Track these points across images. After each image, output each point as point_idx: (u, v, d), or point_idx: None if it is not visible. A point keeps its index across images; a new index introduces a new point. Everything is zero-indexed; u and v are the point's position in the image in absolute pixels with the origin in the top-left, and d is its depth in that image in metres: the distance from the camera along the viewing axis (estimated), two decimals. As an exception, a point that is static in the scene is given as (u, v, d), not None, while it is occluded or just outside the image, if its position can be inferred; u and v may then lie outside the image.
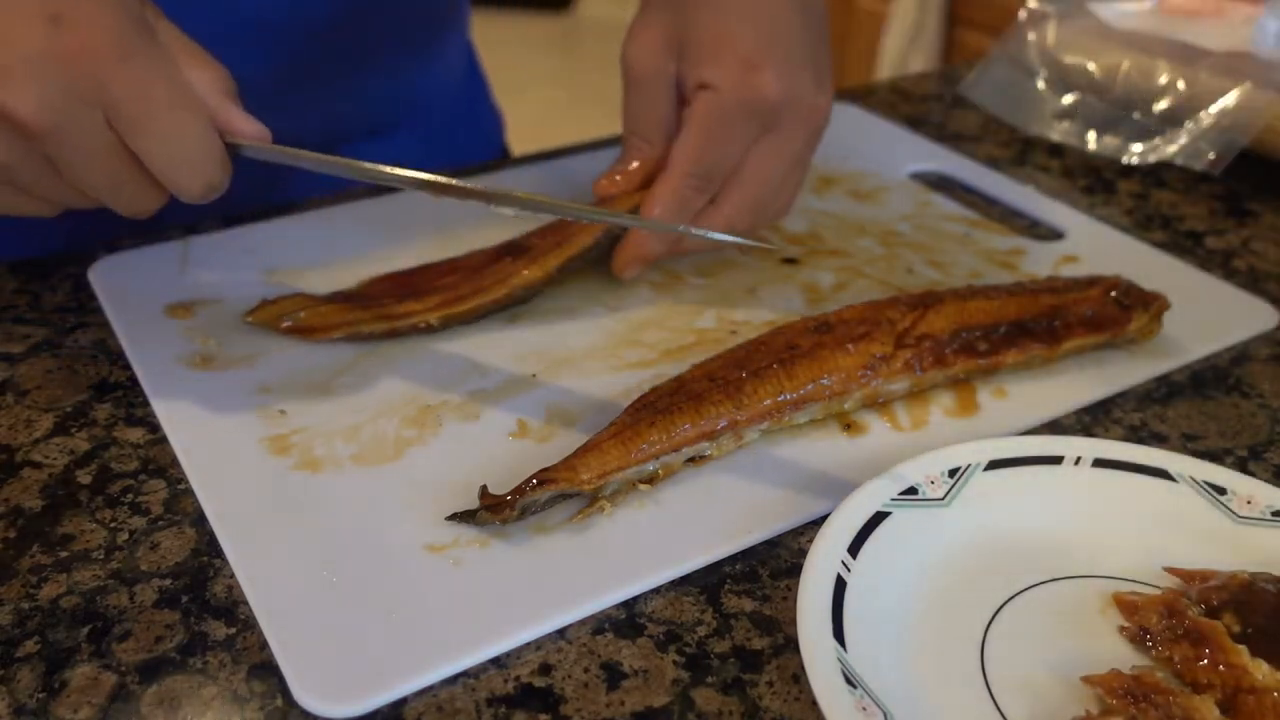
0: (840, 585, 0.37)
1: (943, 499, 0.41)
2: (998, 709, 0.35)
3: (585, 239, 0.55)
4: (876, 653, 0.35)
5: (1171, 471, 0.42)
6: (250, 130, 0.46)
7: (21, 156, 0.43)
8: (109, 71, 0.41)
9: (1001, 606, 0.38)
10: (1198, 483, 0.42)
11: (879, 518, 0.40)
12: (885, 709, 0.33)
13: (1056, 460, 0.43)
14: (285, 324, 0.51)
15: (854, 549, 0.38)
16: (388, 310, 0.52)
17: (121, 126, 0.43)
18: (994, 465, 0.43)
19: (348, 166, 0.46)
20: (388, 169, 0.46)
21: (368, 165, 0.46)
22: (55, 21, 0.41)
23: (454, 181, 0.45)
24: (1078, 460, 0.43)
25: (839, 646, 0.35)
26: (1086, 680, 0.35)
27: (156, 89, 0.43)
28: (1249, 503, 0.41)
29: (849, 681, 0.33)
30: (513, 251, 0.55)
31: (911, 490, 0.41)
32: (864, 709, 0.33)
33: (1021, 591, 0.39)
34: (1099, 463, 0.43)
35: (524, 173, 0.69)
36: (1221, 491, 0.42)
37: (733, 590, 0.40)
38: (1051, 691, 0.35)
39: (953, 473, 0.42)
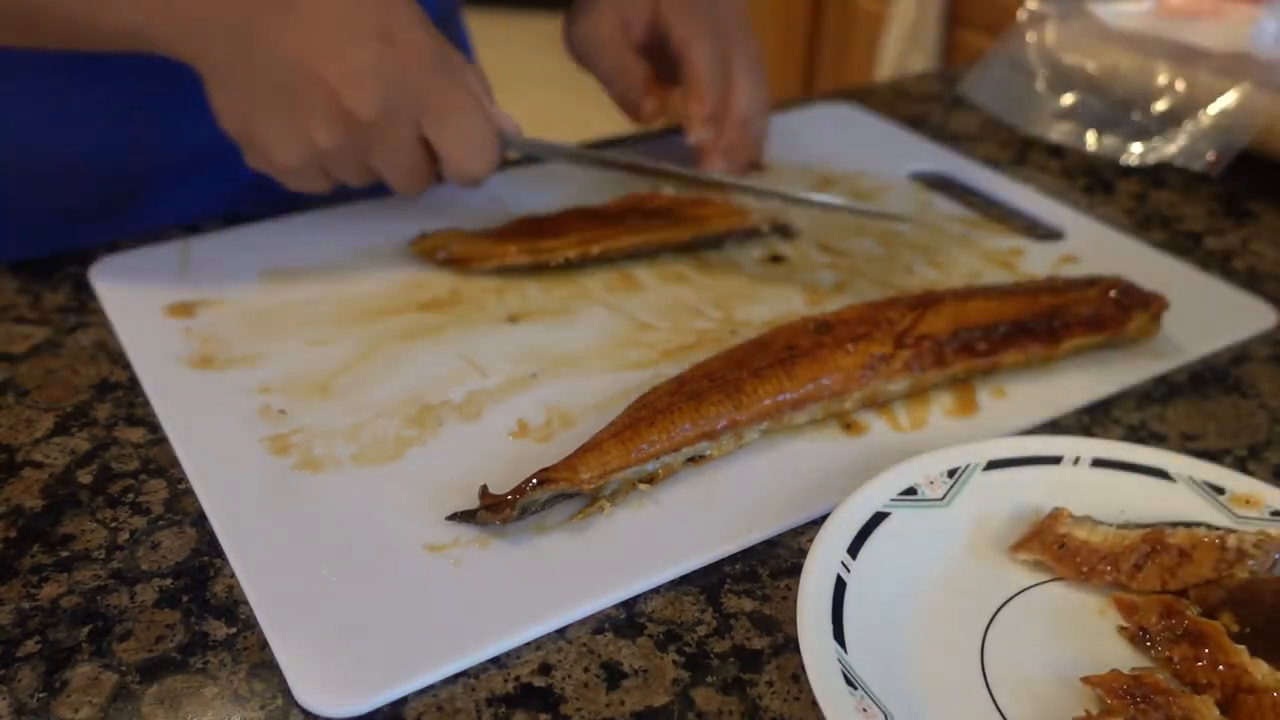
0: (840, 586, 0.37)
1: (942, 499, 0.41)
2: (998, 709, 0.35)
3: (723, 223, 0.60)
4: (876, 653, 0.36)
5: (1170, 471, 0.42)
6: (509, 125, 0.56)
7: (348, 146, 0.52)
8: (427, 81, 0.51)
9: (1001, 607, 0.38)
10: (1196, 482, 0.42)
11: (878, 518, 0.40)
12: (885, 710, 0.33)
13: (1055, 460, 0.43)
14: (441, 255, 0.57)
15: (854, 549, 0.38)
16: (532, 245, 0.57)
17: (430, 124, 0.52)
18: (993, 465, 0.43)
19: (598, 158, 0.60)
20: (638, 160, 0.59)
21: (618, 156, 0.59)
22: (387, 39, 0.50)
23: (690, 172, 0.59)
24: (1076, 460, 0.43)
25: (839, 647, 0.35)
26: (1086, 681, 0.35)
27: (459, 95, 0.53)
28: (1248, 502, 0.41)
29: (849, 682, 0.33)
30: (650, 208, 0.61)
31: (910, 491, 0.41)
32: (864, 710, 0.33)
33: (1021, 592, 0.39)
34: (1098, 463, 0.43)
35: (530, 171, 0.69)
36: (1220, 491, 0.42)
37: (732, 590, 0.40)
38: (1051, 692, 0.35)
39: (952, 473, 0.42)
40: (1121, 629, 0.38)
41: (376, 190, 0.60)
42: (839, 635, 0.35)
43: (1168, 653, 0.36)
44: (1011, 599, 0.39)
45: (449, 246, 0.57)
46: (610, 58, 0.65)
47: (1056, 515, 0.40)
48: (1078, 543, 0.39)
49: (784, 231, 0.62)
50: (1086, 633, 0.38)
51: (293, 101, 0.50)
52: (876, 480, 0.41)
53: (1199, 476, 0.42)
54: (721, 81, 0.62)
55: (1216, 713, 0.33)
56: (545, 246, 0.57)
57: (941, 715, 0.34)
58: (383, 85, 0.50)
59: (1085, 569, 0.39)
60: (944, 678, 0.36)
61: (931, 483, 0.42)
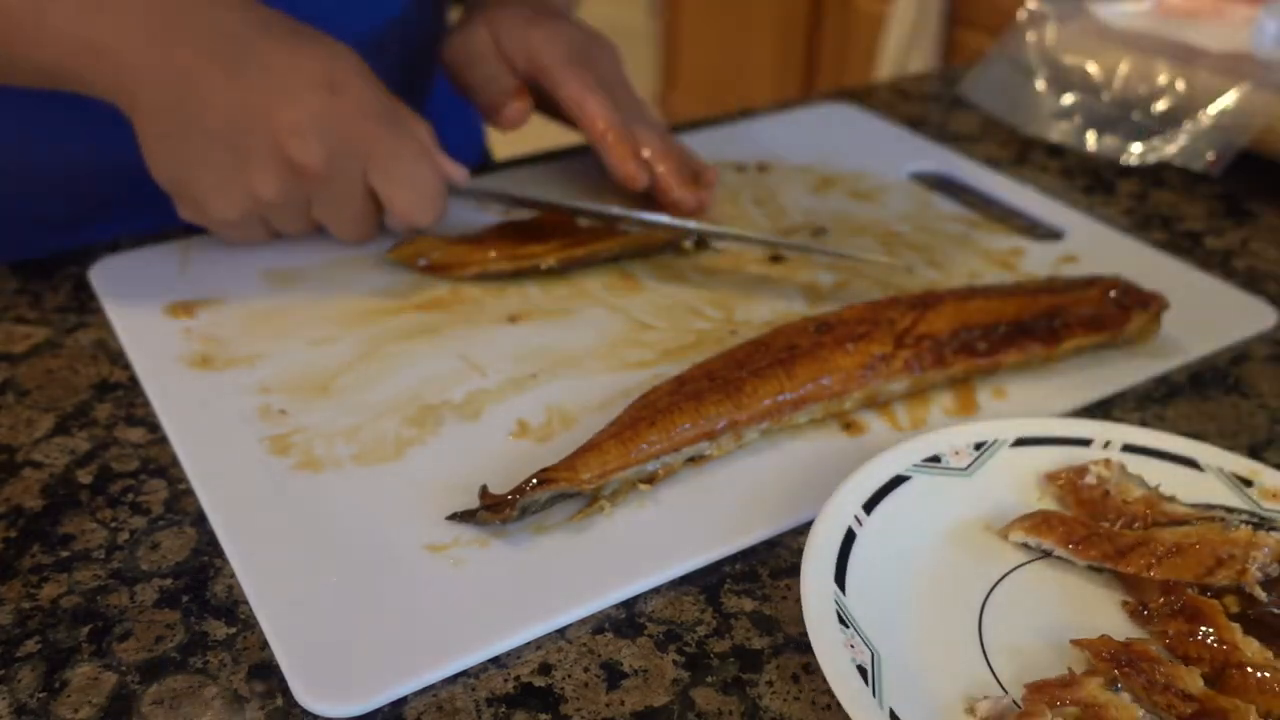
0: (850, 536, 0.38)
1: (965, 469, 0.42)
2: (989, 667, 0.35)
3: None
4: (875, 601, 0.37)
5: (1200, 461, 0.43)
6: (458, 174, 0.56)
7: (291, 197, 0.51)
8: (373, 131, 0.51)
9: (1008, 573, 0.39)
10: (1225, 474, 0.42)
11: (898, 480, 0.41)
12: (874, 649, 0.34)
13: (1085, 443, 0.43)
14: (422, 263, 0.56)
15: (869, 506, 0.40)
16: (513, 250, 0.57)
17: (375, 174, 0.52)
18: (1021, 443, 0.43)
19: (546, 203, 0.58)
20: (583, 204, 0.57)
21: (563, 201, 0.57)
22: (332, 89, 0.50)
23: (628, 213, 0.56)
24: (1106, 444, 0.43)
25: (838, 590, 0.36)
26: (1075, 643, 0.36)
27: (404, 144, 0.52)
28: (1275, 496, 0.41)
29: (842, 622, 0.35)
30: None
31: (935, 459, 0.42)
32: (851, 646, 0.34)
33: (1030, 561, 0.40)
34: (1128, 448, 0.43)
35: (512, 175, 0.69)
36: (1248, 484, 0.42)
37: (732, 590, 0.40)
38: (1043, 655, 0.36)
39: (979, 446, 0.43)
40: (1124, 603, 0.38)
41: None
42: (840, 580, 0.36)
43: (1163, 626, 0.37)
44: (1020, 566, 0.39)
45: (429, 253, 0.56)
46: (481, 68, 0.62)
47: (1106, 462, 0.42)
48: (1099, 495, 0.40)
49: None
50: (1089, 604, 0.38)
51: (233, 153, 0.49)
52: (901, 446, 0.42)
53: (1228, 468, 0.43)
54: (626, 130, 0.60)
55: (1200, 683, 0.34)
56: (527, 252, 0.57)
57: (930, 663, 0.35)
58: (328, 135, 0.50)
59: (1079, 538, 0.39)
60: (939, 631, 0.37)
61: (957, 453, 0.43)
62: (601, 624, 0.38)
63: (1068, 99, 0.78)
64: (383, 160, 0.52)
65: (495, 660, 0.37)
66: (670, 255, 0.59)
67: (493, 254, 0.56)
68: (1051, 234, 0.64)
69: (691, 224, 0.58)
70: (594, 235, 0.58)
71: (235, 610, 0.38)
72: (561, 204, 0.58)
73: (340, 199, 0.53)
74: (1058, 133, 0.76)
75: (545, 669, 0.36)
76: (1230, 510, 0.40)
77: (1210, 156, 0.71)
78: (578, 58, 0.61)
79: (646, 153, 0.59)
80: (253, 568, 0.39)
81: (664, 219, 0.57)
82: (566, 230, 0.58)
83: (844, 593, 0.36)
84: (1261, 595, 0.37)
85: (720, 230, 0.58)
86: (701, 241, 0.59)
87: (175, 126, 0.49)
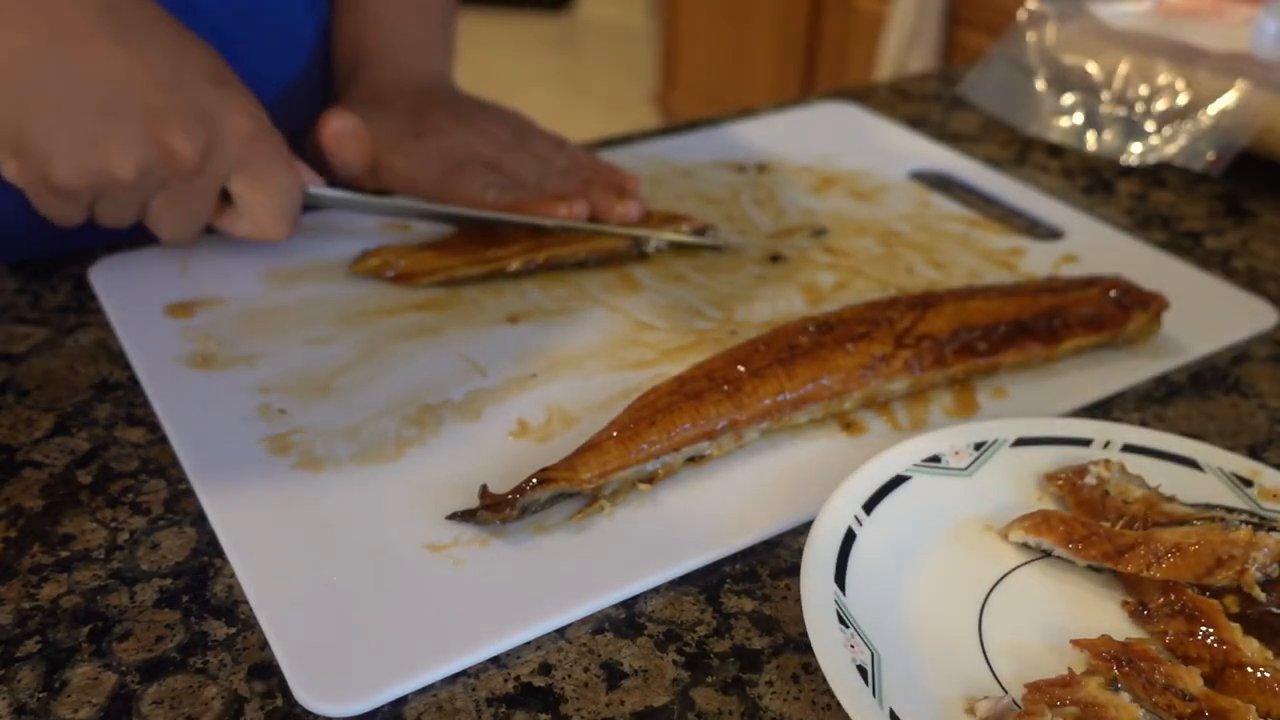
0: (850, 536, 0.38)
1: (965, 469, 0.42)
2: (989, 667, 0.36)
3: (663, 228, 0.59)
4: (875, 601, 0.37)
5: (1200, 461, 0.43)
6: (315, 181, 0.55)
7: (144, 181, 0.48)
8: (252, 132, 0.50)
9: (1009, 572, 0.39)
10: (1225, 474, 0.42)
11: (898, 480, 0.41)
12: (874, 649, 0.34)
13: (1085, 443, 0.44)
14: (390, 274, 0.56)
15: (869, 506, 0.40)
16: (478, 255, 0.56)
17: (243, 180, 0.51)
18: (1021, 443, 0.43)
19: (396, 206, 0.57)
20: (453, 210, 0.57)
21: (420, 204, 0.57)
22: (218, 83, 0.49)
23: (505, 216, 0.57)
24: (1106, 444, 0.43)
25: (838, 590, 0.36)
26: (1075, 643, 0.36)
27: (277, 152, 0.51)
28: (1275, 495, 0.41)
29: (842, 621, 0.35)
30: (595, 218, 0.59)
31: (934, 459, 0.42)
32: (852, 646, 0.34)
33: (1031, 561, 0.40)
34: (1128, 448, 0.43)
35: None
36: (1248, 484, 0.42)
37: (732, 590, 0.40)
38: (1044, 656, 0.36)
39: (978, 446, 0.43)
40: (1124, 603, 0.38)
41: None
42: (840, 580, 0.37)
43: (1163, 626, 0.37)
44: (1020, 566, 0.39)
45: (395, 263, 0.55)
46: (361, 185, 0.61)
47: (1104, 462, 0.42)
48: (1099, 496, 0.40)
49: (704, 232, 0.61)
50: (1089, 604, 0.38)
51: (104, 120, 0.46)
52: (901, 446, 0.42)
53: (1228, 468, 0.43)
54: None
55: (1200, 683, 0.34)
56: (491, 256, 0.56)
57: (930, 663, 0.35)
58: (210, 128, 0.48)
59: (1079, 538, 0.39)
60: (939, 631, 0.37)
61: (957, 453, 0.43)
62: (601, 624, 0.38)
63: (1068, 99, 0.78)
64: (254, 164, 0.50)
65: (495, 660, 0.37)
66: (670, 256, 0.59)
67: (458, 260, 0.56)
68: (1051, 234, 0.64)
69: (584, 225, 0.57)
70: (558, 240, 0.57)
71: (235, 610, 0.38)
72: (436, 210, 0.57)
73: (192, 195, 0.50)
74: (1058, 133, 0.76)
75: (545, 669, 0.36)
76: (1230, 510, 0.40)
77: (1210, 156, 0.71)
78: (454, 166, 0.60)
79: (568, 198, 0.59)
80: (253, 568, 0.39)
81: (548, 220, 0.57)
82: (530, 234, 0.57)
83: (844, 593, 0.36)
84: (1261, 595, 0.37)
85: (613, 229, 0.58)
86: (643, 252, 0.58)
87: (36, 76, 0.45)
